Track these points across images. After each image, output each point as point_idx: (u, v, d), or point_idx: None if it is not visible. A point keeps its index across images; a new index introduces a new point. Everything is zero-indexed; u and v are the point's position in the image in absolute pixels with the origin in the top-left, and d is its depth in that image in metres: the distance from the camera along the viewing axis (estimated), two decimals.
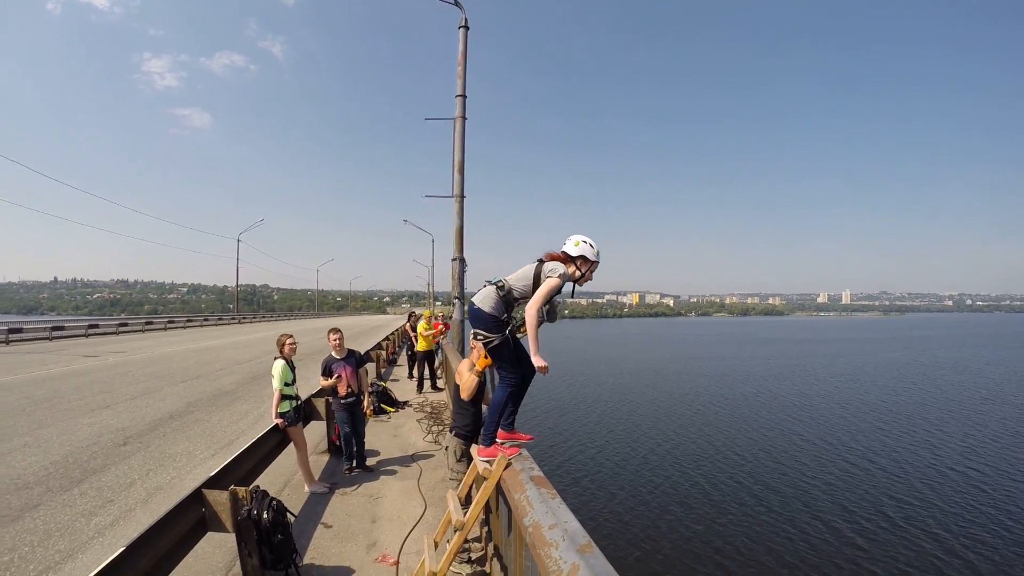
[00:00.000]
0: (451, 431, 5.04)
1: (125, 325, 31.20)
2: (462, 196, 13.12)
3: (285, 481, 6.43)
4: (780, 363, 44.35)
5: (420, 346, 13.74)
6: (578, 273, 3.73)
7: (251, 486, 4.01)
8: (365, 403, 7.44)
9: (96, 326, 28.47)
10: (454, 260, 13.33)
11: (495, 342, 3.66)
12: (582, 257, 3.71)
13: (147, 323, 33.88)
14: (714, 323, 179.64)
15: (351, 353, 7.14)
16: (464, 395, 4.79)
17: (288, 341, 6.23)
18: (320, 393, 7.59)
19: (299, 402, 6.31)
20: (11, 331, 22.56)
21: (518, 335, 3.84)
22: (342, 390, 6.82)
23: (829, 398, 27.28)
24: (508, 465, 3.68)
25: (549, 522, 2.70)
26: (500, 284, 3.69)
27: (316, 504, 5.72)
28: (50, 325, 25.67)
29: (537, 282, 3.65)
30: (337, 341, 6.93)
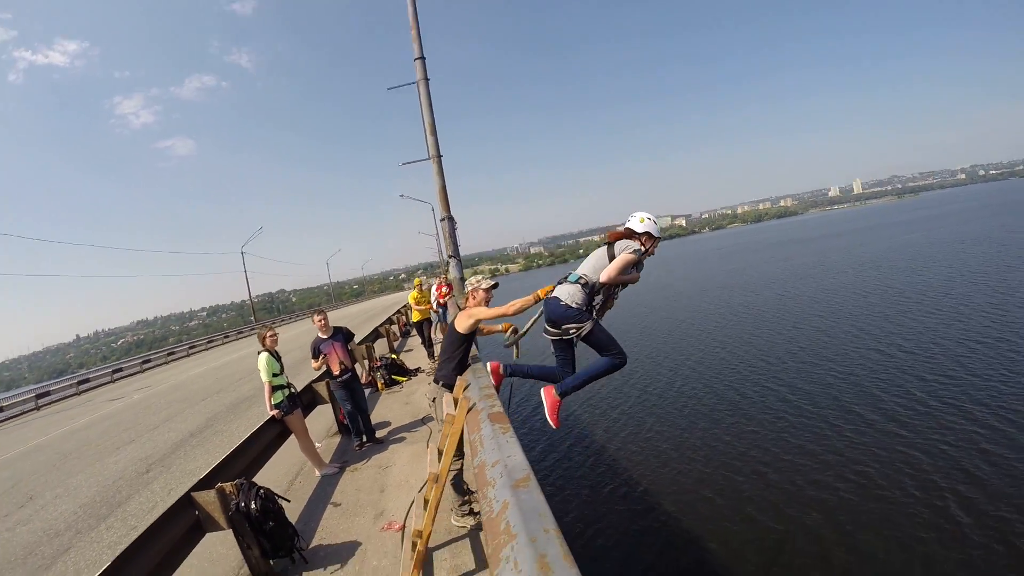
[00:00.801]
0: (436, 381, 5.03)
1: (148, 361, 31.72)
2: (439, 156, 13.14)
3: (297, 470, 6.59)
4: (798, 263, 43.88)
5: (415, 317, 13.72)
6: (642, 249, 3.91)
7: (237, 480, 4.09)
8: (363, 376, 7.53)
9: (120, 370, 28.99)
10: (442, 220, 13.36)
11: (586, 329, 3.78)
12: (647, 233, 3.92)
13: (169, 354, 34.39)
14: (729, 235, 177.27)
15: (337, 330, 7.19)
16: (461, 327, 4.64)
17: (268, 334, 6.30)
18: (320, 378, 7.74)
19: (292, 390, 6.38)
20: (39, 396, 23.06)
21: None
22: (335, 368, 6.91)
23: (851, 289, 26.88)
24: (472, 407, 3.71)
25: (493, 459, 2.66)
26: (584, 281, 3.83)
27: (327, 486, 5.85)
28: (76, 380, 26.17)
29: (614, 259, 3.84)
30: (322, 322, 7.02)
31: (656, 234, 3.94)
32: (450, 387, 4.84)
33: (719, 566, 7.75)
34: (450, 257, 13.74)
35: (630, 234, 3.91)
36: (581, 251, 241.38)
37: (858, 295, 24.95)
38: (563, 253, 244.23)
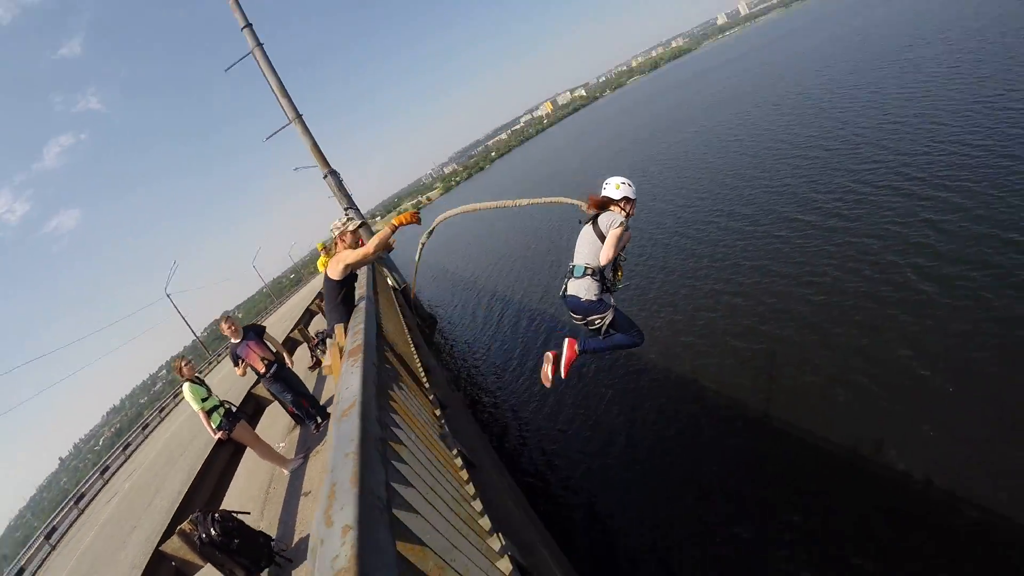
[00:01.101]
0: (330, 335, 4.99)
1: (129, 445, 30.98)
2: (299, 116, 12.71)
3: (270, 477, 6.79)
4: (713, 95, 42.74)
5: None
6: (623, 214, 4.00)
7: (192, 516, 4.17)
8: (288, 361, 7.54)
9: (107, 467, 28.33)
10: (325, 176, 13.00)
11: (608, 318, 3.89)
12: (625, 198, 4.00)
13: (144, 427, 33.58)
14: (632, 91, 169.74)
15: (247, 329, 7.21)
16: (333, 275, 4.72)
17: (183, 364, 6.34)
18: (257, 383, 7.77)
19: (228, 406, 6.40)
20: (48, 536, 22.50)
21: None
22: (259, 366, 6.97)
23: (763, 106, 26.63)
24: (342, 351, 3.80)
25: (345, 386, 2.77)
26: (591, 271, 3.87)
27: (296, 480, 6.09)
28: (73, 499, 25.56)
29: (603, 237, 3.88)
30: (231, 328, 7.02)
31: (633, 196, 4.01)
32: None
33: (720, 397, 8.28)
34: (346, 209, 13.40)
35: (608, 201, 3.99)
36: (492, 154, 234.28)
37: (769, 108, 24.86)
38: (476, 162, 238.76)
